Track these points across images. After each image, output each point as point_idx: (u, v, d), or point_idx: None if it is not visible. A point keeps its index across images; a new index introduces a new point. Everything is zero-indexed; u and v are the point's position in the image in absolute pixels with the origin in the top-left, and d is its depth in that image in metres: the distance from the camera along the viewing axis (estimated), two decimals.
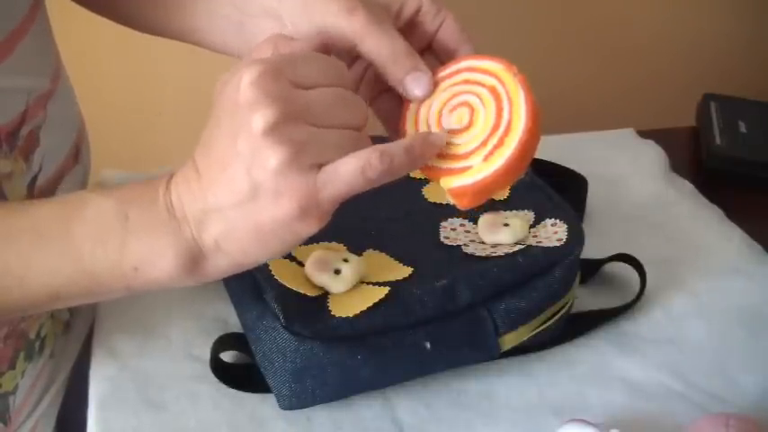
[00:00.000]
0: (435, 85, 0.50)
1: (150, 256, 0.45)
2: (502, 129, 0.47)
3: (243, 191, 0.43)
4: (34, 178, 0.59)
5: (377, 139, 0.46)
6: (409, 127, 0.50)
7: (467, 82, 0.49)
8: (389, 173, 0.44)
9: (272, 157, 0.42)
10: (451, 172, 0.48)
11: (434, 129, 0.49)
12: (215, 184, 0.44)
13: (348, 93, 0.46)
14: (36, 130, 0.58)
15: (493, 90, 0.48)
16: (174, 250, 0.45)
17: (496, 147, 0.46)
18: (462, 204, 0.48)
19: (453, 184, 0.47)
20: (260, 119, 0.42)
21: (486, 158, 0.47)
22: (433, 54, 0.53)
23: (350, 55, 0.50)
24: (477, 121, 0.48)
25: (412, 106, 0.50)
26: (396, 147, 0.44)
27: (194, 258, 0.46)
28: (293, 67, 0.44)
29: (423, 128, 0.49)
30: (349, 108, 0.45)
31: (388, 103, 0.52)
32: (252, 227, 0.44)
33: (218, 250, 0.45)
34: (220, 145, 0.44)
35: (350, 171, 0.43)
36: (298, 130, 0.43)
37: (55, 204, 0.49)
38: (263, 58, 0.45)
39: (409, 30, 0.52)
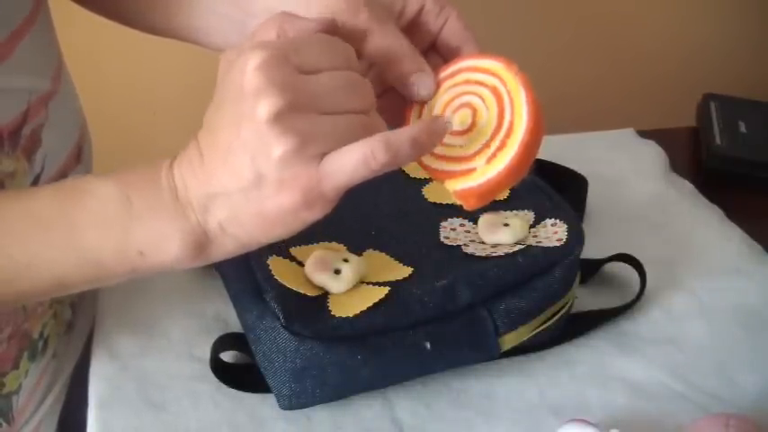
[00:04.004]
0: (438, 85, 0.50)
1: (155, 241, 0.45)
2: (504, 130, 0.47)
3: (247, 178, 0.43)
4: (37, 178, 0.59)
5: None
6: None
7: (468, 82, 0.49)
8: (394, 163, 0.43)
9: (277, 146, 0.42)
10: (456, 174, 0.48)
11: None
12: (219, 169, 0.44)
13: (354, 76, 0.45)
14: (38, 129, 0.58)
15: (494, 90, 0.48)
16: (180, 234, 0.45)
17: (499, 149, 0.47)
18: (469, 205, 0.48)
19: (459, 186, 0.48)
20: (265, 107, 0.42)
21: (489, 160, 0.47)
22: (437, 53, 0.53)
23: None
24: (479, 121, 0.48)
25: (415, 107, 0.50)
26: (401, 136, 0.44)
27: (200, 242, 0.45)
28: (299, 52, 0.44)
29: None
30: (355, 92, 0.45)
31: (390, 102, 0.52)
32: (256, 213, 0.44)
33: (224, 234, 0.45)
34: (224, 130, 0.44)
35: (353, 161, 0.43)
36: (303, 119, 0.42)
37: (56, 192, 0.48)
38: (268, 42, 0.44)
39: (412, 29, 0.52)
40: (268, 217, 0.44)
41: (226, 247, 0.46)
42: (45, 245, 0.46)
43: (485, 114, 0.48)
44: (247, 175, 0.43)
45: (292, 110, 0.42)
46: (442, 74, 0.50)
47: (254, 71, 0.42)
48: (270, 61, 0.42)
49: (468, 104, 0.49)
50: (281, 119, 0.42)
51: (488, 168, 0.47)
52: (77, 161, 0.65)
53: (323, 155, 0.43)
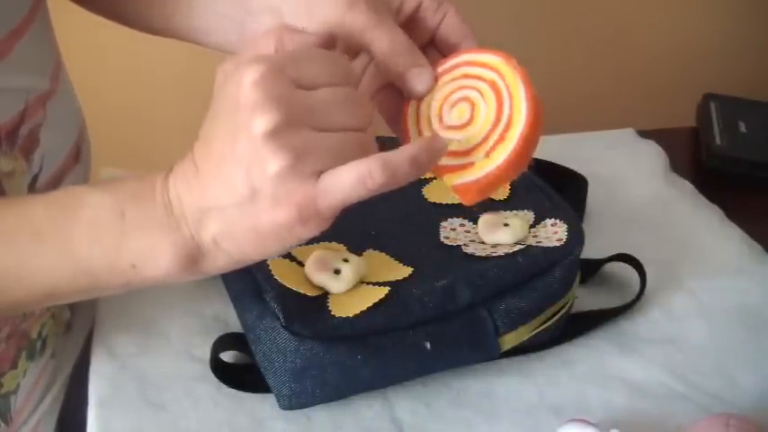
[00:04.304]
0: (436, 80, 0.50)
1: (148, 255, 0.45)
2: (503, 124, 0.47)
3: (241, 193, 0.42)
4: (35, 178, 0.59)
5: (379, 140, 0.45)
6: (411, 124, 0.50)
7: (466, 76, 0.49)
8: (392, 183, 0.43)
9: (272, 162, 0.41)
10: (454, 169, 0.48)
11: (436, 125, 0.49)
12: (213, 183, 0.43)
13: (352, 92, 0.45)
14: (36, 129, 0.58)
15: (493, 84, 0.48)
16: (173, 249, 0.45)
17: (498, 142, 0.47)
18: (466, 200, 0.48)
19: (457, 181, 0.47)
20: (261, 123, 0.41)
21: (488, 154, 0.47)
22: (436, 48, 0.53)
23: (351, 50, 0.50)
24: (478, 116, 0.48)
25: (413, 102, 0.50)
26: (399, 156, 0.43)
27: (192, 256, 0.45)
28: (296, 66, 0.43)
29: (424, 125, 0.49)
30: (353, 109, 0.44)
31: (389, 97, 0.52)
32: (250, 228, 0.43)
33: (218, 248, 0.45)
34: (218, 142, 0.43)
35: (350, 181, 0.42)
36: (299, 135, 0.42)
37: (51, 202, 0.48)
38: (265, 56, 0.44)
39: (411, 25, 0.52)
40: (262, 232, 0.43)
41: (217, 262, 0.46)
42: (39, 255, 0.46)
43: (483, 109, 0.48)
44: (242, 189, 0.42)
45: (289, 125, 0.41)
46: (440, 68, 0.50)
47: (250, 85, 0.41)
48: (267, 75, 0.42)
49: (466, 99, 0.49)
50: (276, 135, 0.41)
51: (487, 162, 0.47)
52: (76, 161, 0.65)
53: (319, 172, 0.42)
